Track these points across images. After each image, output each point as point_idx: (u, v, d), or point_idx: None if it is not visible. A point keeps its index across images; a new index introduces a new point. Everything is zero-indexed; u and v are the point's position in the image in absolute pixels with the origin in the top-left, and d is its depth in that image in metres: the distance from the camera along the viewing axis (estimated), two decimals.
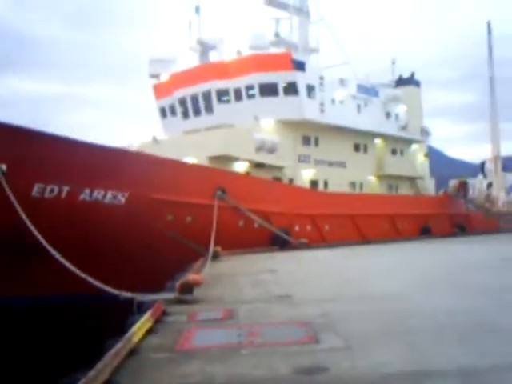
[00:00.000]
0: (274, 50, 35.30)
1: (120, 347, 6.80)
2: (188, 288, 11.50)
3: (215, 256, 20.43)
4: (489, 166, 60.85)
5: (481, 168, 63.88)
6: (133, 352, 7.10)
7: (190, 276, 12.65)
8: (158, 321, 9.14)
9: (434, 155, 60.03)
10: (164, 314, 9.86)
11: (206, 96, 32.93)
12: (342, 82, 36.33)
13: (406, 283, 13.26)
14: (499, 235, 40.94)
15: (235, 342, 7.60)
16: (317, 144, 34.23)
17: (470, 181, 56.75)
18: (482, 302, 10.15)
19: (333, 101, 34.87)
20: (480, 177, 62.37)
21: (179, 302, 11.11)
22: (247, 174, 27.81)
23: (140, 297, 11.95)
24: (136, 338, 7.60)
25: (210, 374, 6.12)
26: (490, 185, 58.87)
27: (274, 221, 25.83)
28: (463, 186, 46.90)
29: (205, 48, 34.36)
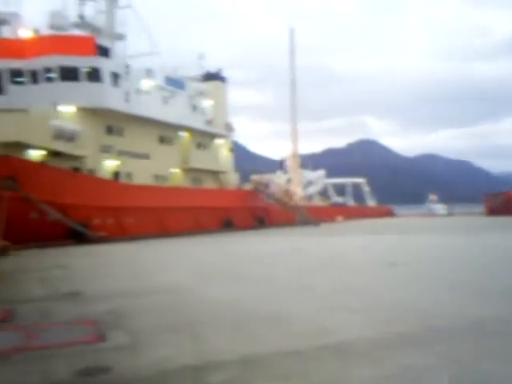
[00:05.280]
0: (77, 33, 33.46)
1: None
2: None
3: (4, 251, 18.67)
4: (288, 163, 65.34)
5: (280, 164, 68.20)
6: None
7: None
8: None
9: (238, 150, 62.59)
10: None
11: None
12: (149, 72, 35.84)
13: (192, 275, 13.31)
14: (294, 228, 44.10)
15: (10, 346, 6.82)
16: (121, 134, 33.23)
17: (270, 176, 60.38)
18: (254, 292, 10.46)
19: (139, 91, 34.19)
20: (279, 172, 66.60)
21: None
22: (42, 163, 25.86)
23: None
24: None
25: None
26: (288, 180, 63.23)
27: (71, 213, 24.45)
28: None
29: None
